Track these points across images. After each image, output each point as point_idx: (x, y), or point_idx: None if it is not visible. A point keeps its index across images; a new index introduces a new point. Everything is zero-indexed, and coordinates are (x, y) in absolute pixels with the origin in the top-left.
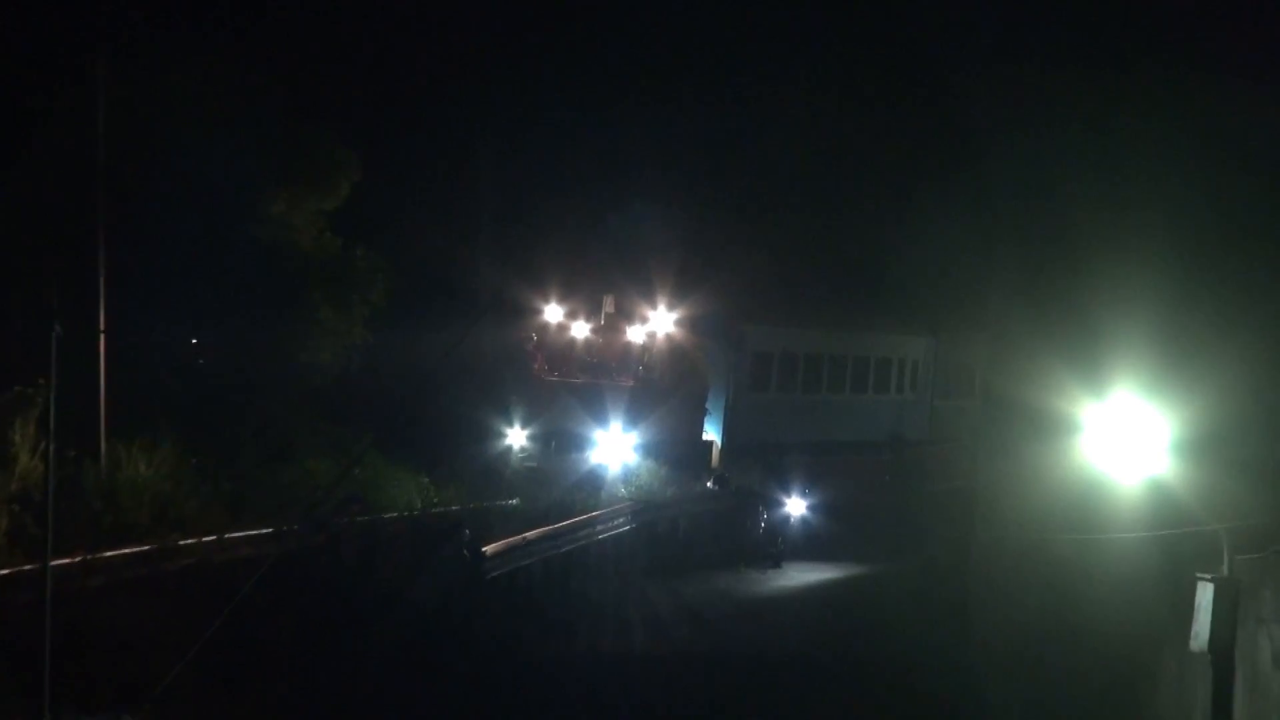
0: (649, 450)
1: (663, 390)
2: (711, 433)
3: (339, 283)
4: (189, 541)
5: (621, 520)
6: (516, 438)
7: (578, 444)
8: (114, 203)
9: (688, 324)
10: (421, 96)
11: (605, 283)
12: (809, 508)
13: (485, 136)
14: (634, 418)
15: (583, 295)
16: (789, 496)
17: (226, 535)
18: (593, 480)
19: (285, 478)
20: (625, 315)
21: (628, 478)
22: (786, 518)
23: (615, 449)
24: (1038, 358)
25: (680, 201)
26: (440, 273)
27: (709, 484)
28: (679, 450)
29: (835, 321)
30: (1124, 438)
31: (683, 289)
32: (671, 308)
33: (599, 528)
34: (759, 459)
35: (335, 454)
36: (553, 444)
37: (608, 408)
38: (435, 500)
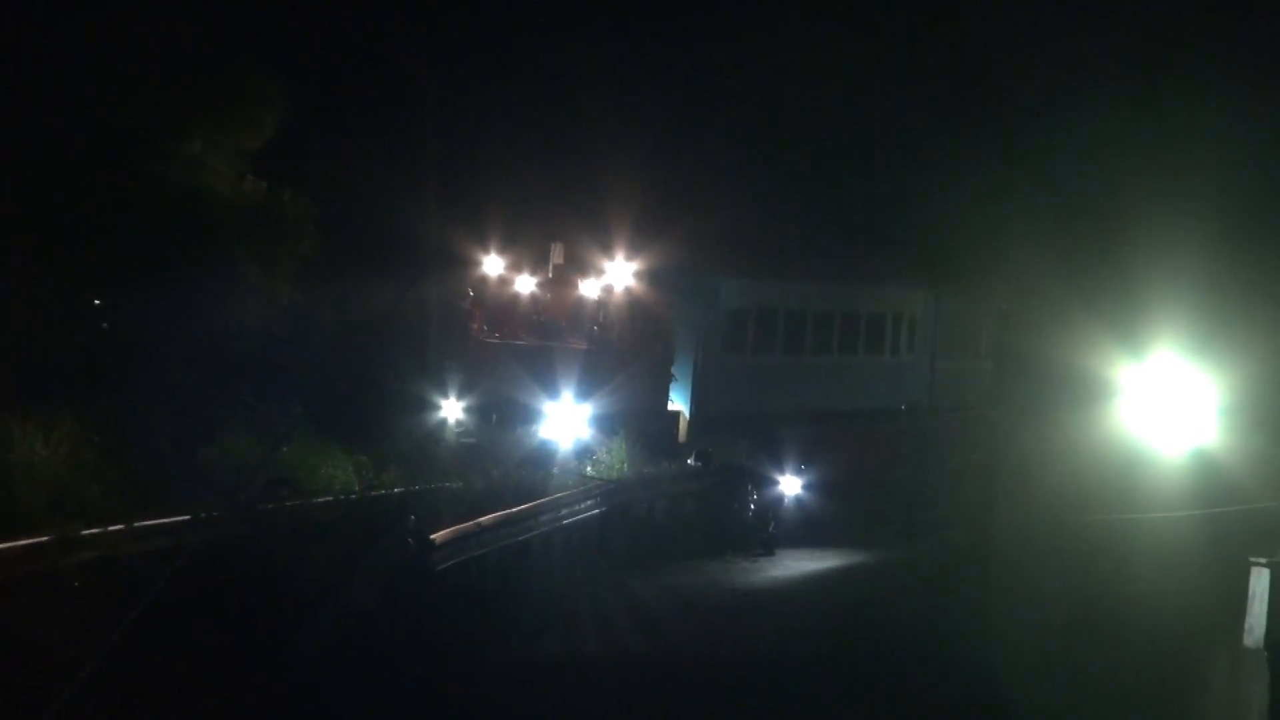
0: (606, 423)
1: (622, 354)
2: (678, 402)
3: (264, 234)
4: (92, 532)
5: (590, 503)
6: (452, 409)
7: (523, 416)
8: None
9: (651, 277)
10: (350, 20)
11: (554, 229)
12: (805, 486)
13: (424, 66)
14: (588, 386)
15: (528, 243)
16: (782, 474)
17: (136, 524)
18: (541, 458)
19: (204, 458)
20: (577, 266)
21: (581, 455)
22: (780, 498)
23: (567, 422)
24: (1068, 314)
25: (647, 139)
26: (372, 222)
27: (690, 460)
28: (641, 423)
29: (821, 273)
30: (1167, 403)
31: (645, 236)
32: (632, 258)
33: (564, 512)
34: (746, 432)
35: (260, 431)
36: (494, 416)
37: (557, 374)
38: (376, 482)
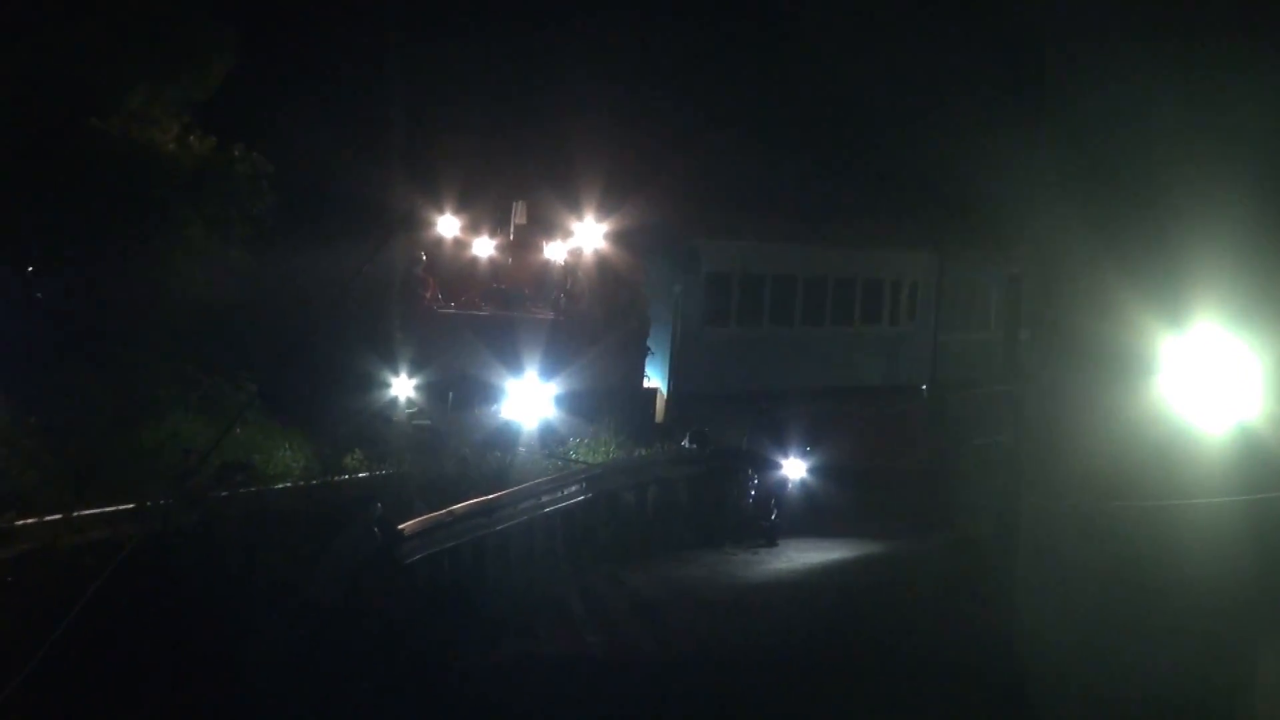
0: (575, 402)
1: (592, 325)
2: (655, 379)
3: (213, 193)
4: (27, 522)
5: (574, 489)
6: (403, 388)
7: (482, 395)
8: None
9: (624, 239)
10: None
11: (517, 186)
12: (810, 470)
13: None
14: (555, 361)
15: (488, 202)
16: (785, 457)
17: (76, 514)
18: (504, 441)
19: (149, 441)
20: (543, 228)
21: (547, 437)
22: (783, 483)
23: (531, 401)
24: (1098, 281)
25: (620, 87)
26: (317, 181)
27: (685, 443)
28: (614, 401)
29: (812, 234)
30: (1209, 377)
31: (618, 194)
32: (603, 218)
33: (545, 499)
34: (730, 410)
35: (210, 410)
36: (450, 395)
37: (520, 348)
38: (345, 465)
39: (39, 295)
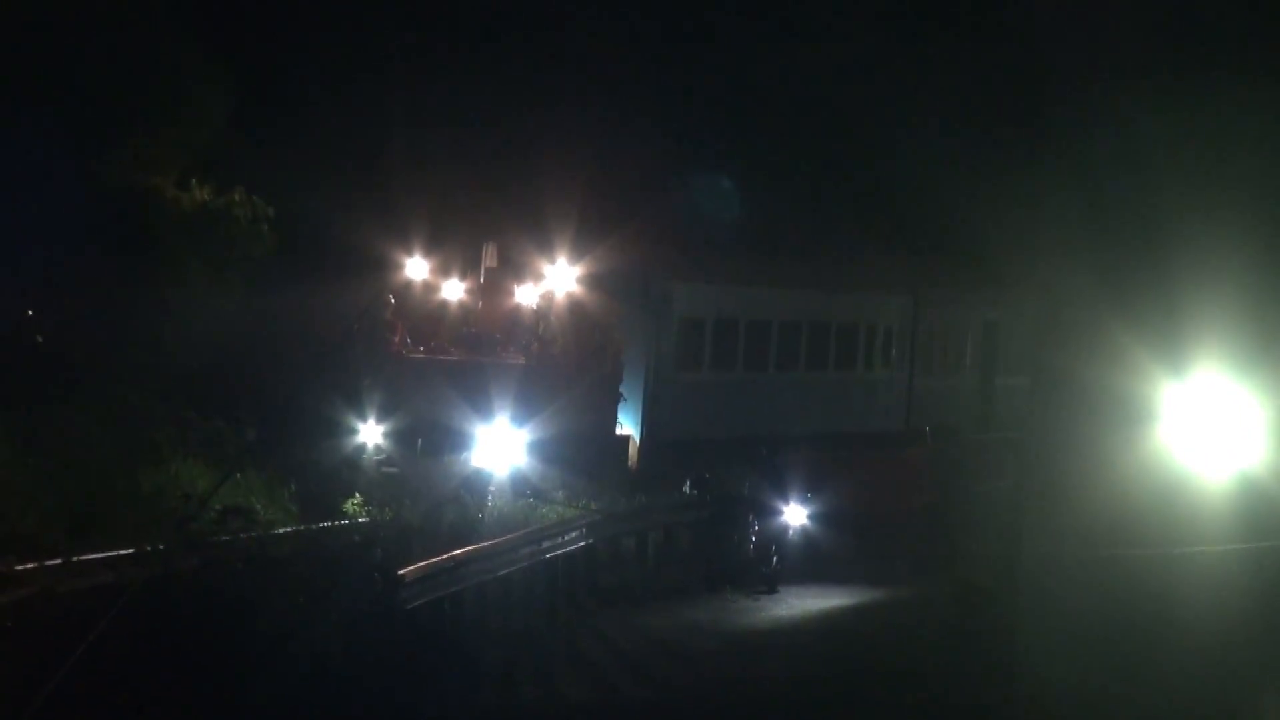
0: (546, 449)
1: (564, 371)
2: (628, 426)
3: (212, 236)
4: (26, 566)
5: (574, 535)
6: (371, 434)
7: (452, 442)
8: None
9: (596, 282)
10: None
11: (487, 227)
12: (810, 516)
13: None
14: (526, 407)
15: (457, 244)
16: (787, 503)
17: (76, 558)
18: (474, 488)
19: (149, 484)
20: (513, 271)
21: (519, 485)
22: (784, 528)
23: (502, 448)
24: (1100, 326)
25: (592, 129)
26: (287, 220)
27: (685, 489)
28: (587, 448)
29: (786, 278)
30: (1210, 425)
31: (590, 236)
32: (575, 260)
33: (545, 545)
34: (704, 458)
35: (210, 453)
36: (419, 442)
37: (491, 394)
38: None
39: (39, 338)
